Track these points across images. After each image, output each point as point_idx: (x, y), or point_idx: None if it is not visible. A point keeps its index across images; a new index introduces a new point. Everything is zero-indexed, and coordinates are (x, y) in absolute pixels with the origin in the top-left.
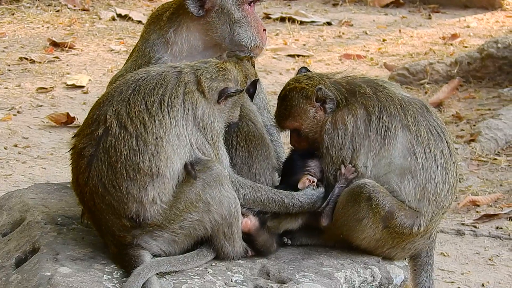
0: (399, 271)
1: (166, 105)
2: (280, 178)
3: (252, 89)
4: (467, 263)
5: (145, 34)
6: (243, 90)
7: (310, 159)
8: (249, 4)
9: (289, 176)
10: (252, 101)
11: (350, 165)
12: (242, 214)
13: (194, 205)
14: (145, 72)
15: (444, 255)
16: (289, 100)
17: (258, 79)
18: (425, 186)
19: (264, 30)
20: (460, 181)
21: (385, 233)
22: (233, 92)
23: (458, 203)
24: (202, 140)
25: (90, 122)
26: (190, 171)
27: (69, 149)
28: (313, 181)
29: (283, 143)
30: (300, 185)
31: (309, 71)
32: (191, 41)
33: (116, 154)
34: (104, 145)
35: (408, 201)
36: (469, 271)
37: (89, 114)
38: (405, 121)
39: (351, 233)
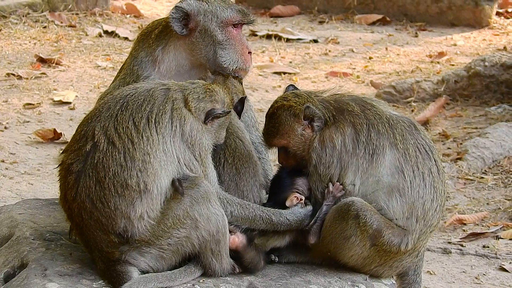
0: None
1: (153, 121)
2: (267, 195)
3: (240, 106)
4: (454, 282)
5: (134, 51)
6: (229, 111)
7: (298, 176)
8: (234, 26)
9: (277, 194)
10: (240, 119)
11: (338, 183)
12: (230, 231)
13: (181, 222)
14: (133, 88)
15: (431, 274)
16: (277, 118)
17: (246, 97)
18: (413, 204)
19: (249, 52)
20: (447, 200)
21: (372, 251)
22: (220, 113)
23: (445, 222)
24: (190, 156)
25: (78, 138)
26: (178, 187)
27: (57, 165)
28: (301, 199)
29: (271, 160)
30: (288, 203)
31: (297, 89)
32: (178, 60)
33: (104, 170)
34: (92, 161)
35: (396, 219)
36: None
37: (77, 130)
38: (393, 139)
39: (339, 250)
